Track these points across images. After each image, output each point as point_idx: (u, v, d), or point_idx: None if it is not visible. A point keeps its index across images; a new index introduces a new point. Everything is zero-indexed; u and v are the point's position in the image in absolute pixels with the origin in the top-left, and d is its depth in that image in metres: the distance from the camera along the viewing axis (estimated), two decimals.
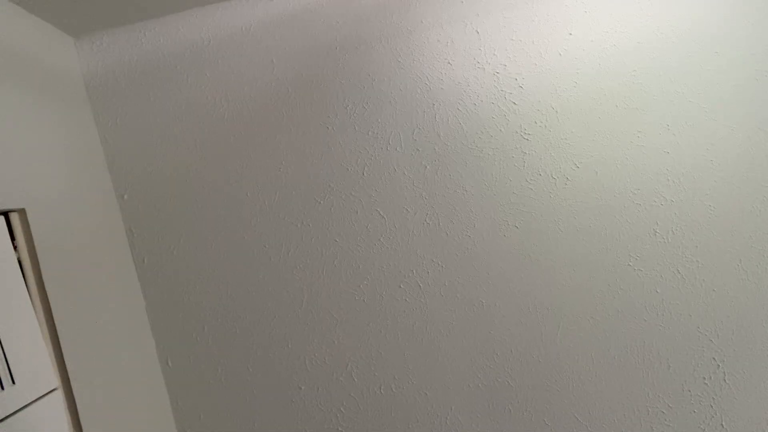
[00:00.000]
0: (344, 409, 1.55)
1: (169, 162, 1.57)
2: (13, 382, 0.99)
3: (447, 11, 1.50)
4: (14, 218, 1.14)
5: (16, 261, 1.11)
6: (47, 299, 1.15)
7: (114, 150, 1.57)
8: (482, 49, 1.50)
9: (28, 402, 1.02)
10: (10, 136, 1.18)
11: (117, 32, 1.57)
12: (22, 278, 1.11)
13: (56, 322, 1.16)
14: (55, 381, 1.11)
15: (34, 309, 1.12)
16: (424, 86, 1.51)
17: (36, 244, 1.15)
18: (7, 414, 0.97)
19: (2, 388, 0.97)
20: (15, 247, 1.13)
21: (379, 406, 1.54)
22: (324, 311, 1.55)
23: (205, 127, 1.56)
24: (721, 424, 1.49)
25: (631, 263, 1.49)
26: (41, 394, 1.06)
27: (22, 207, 1.14)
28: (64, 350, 1.16)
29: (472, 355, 1.53)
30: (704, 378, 1.49)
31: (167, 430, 1.54)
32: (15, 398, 0.99)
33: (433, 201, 1.52)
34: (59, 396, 1.12)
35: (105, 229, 1.48)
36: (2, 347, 0.99)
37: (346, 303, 1.54)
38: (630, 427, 1.51)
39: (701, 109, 1.45)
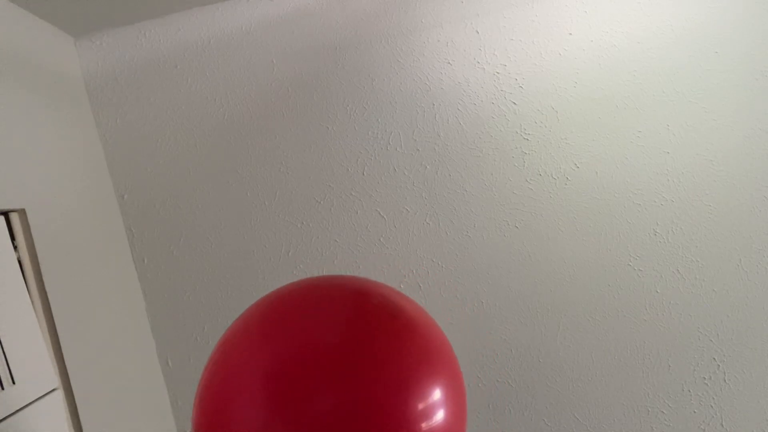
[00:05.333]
0: None
1: (169, 162, 1.57)
2: (13, 382, 0.99)
3: (447, 11, 1.50)
4: (14, 218, 1.14)
5: (16, 261, 1.11)
6: (47, 299, 1.15)
7: (114, 150, 1.57)
8: (482, 49, 1.50)
9: (28, 402, 1.02)
10: (9, 136, 1.18)
11: (117, 32, 1.57)
12: (22, 278, 1.11)
13: (56, 322, 1.16)
14: (55, 381, 1.11)
15: (34, 309, 1.12)
16: (424, 86, 1.51)
17: (36, 244, 1.15)
18: (7, 414, 0.97)
19: (2, 388, 0.97)
20: (15, 247, 1.13)
21: None
22: None
23: (205, 127, 1.56)
24: (721, 424, 1.49)
25: (631, 263, 1.49)
26: (41, 394, 1.06)
27: (22, 207, 1.15)
28: (64, 350, 1.16)
29: (472, 355, 1.53)
30: (704, 378, 1.49)
31: (167, 430, 1.54)
32: (15, 398, 0.99)
33: (433, 201, 1.52)
34: (59, 396, 1.12)
35: (105, 229, 1.48)
36: (2, 347, 0.99)
37: None
38: (630, 427, 1.51)
39: (701, 109, 1.45)
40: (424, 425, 0.60)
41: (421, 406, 0.61)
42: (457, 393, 0.67)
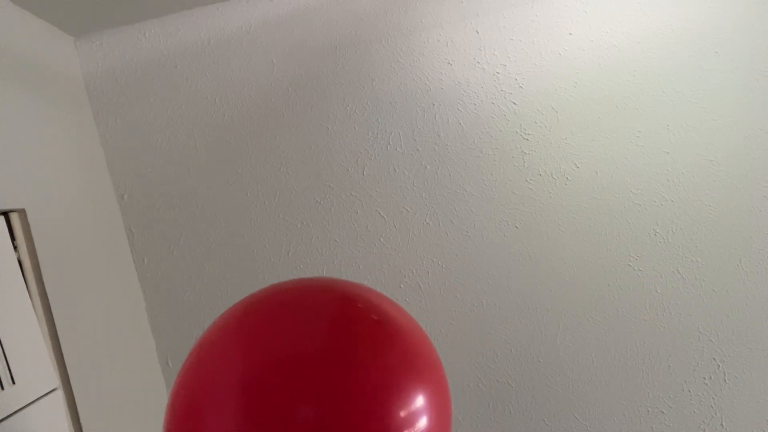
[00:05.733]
0: None
1: (169, 162, 1.57)
2: (13, 382, 0.99)
3: (447, 11, 1.50)
4: (14, 218, 1.14)
5: (16, 261, 1.11)
6: (47, 299, 1.15)
7: (114, 150, 1.57)
8: (482, 49, 1.50)
9: (28, 402, 1.02)
10: (9, 136, 1.18)
11: (117, 32, 1.57)
12: (22, 278, 1.11)
13: (56, 322, 1.16)
14: (55, 381, 1.11)
15: (34, 309, 1.12)
16: (424, 86, 1.51)
17: (36, 244, 1.15)
18: (7, 414, 0.97)
19: (2, 388, 0.97)
20: (15, 247, 1.13)
21: None
22: None
23: (205, 127, 1.56)
24: (721, 424, 1.49)
25: (631, 263, 1.49)
26: (41, 394, 1.06)
27: (22, 207, 1.14)
28: (64, 350, 1.16)
29: (472, 355, 1.53)
30: (704, 378, 1.49)
31: None
32: (15, 398, 0.99)
33: (433, 201, 1.52)
34: (59, 396, 1.12)
35: (105, 229, 1.48)
36: (2, 347, 0.99)
37: None
38: (630, 427, 1.51)
39: (701, 109, 1.45)
40: None
41: (403, 413, 0.59)
42: (441, 400, 0.64)
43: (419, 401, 0.60)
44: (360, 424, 0.56)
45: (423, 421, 0.60)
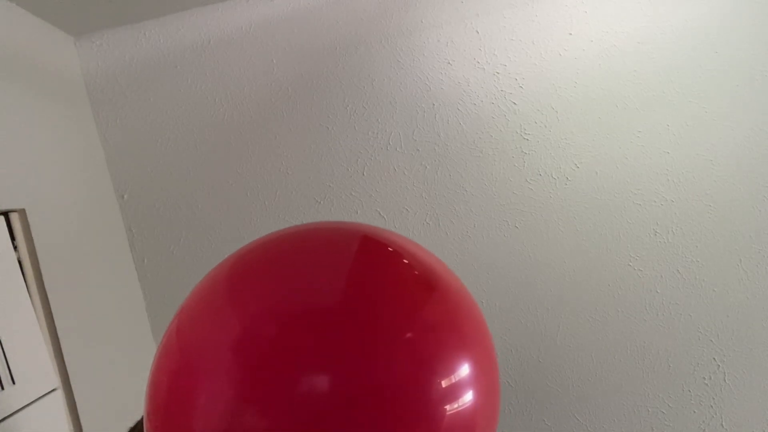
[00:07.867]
0: None
1: (169, 162, 1.57)
2: (13, 382, 0.99)
3: (447, 11, 1.50)
4: (14, 218, 1.14)
5: (16, 261, 1.11)
6: (47, 299, 1.15)
7: (114, 150, 1.57)
8: (482, 49, 1.50)
9: (28, 402, 1.02)
10: (10, 136, 1.17)
11: (117, 32, 1.57)
12: (22, 278, 1.11)
13: (56, 322, 1.16)
14: (55, 381, 1.11)
15: (34, 309, 1.12)
16: (424, 86, 1.51)
17: (36, 244, 1.15)
18: (7, 414, 0.97)
19: (2, 388, 0.97)
20: (15, 247, 1.13)
21: None
22: None
23: (205, 127, 1.56)
24: (721, 424, 1.49)
25: (631, 263, 1.49)
26: (41, 394, 1.06)
27: (22, 207, 1.14)
28: (64, 350, 1.16)
29: None
30: (704, 378, 1.49)
31: None
32: (15, 398, 0.99)
33: (433, 201, 1.52)
34: (59, 396, 1.12)
35: (105, 229, 1.48)
36: (2, 347, 0.99)
37: None
38: (630, 427, 1.51)
39: (701, 109, 1.45)
40: (448, 407, 0.46)
41: (445, 384, 0.46)
42: (490, 375, 0.51)
43: (465, 371, 0.47)
44: (388, 394, 0.43)
45: (469, 396, 0.47)
